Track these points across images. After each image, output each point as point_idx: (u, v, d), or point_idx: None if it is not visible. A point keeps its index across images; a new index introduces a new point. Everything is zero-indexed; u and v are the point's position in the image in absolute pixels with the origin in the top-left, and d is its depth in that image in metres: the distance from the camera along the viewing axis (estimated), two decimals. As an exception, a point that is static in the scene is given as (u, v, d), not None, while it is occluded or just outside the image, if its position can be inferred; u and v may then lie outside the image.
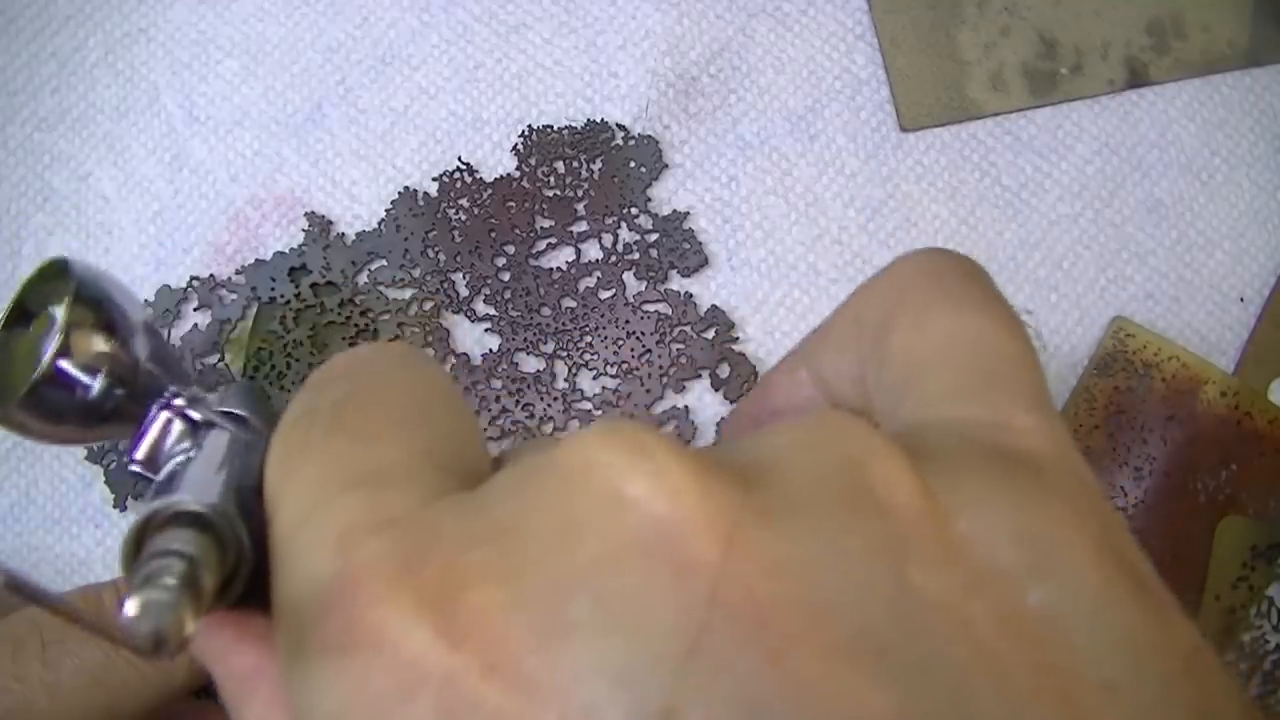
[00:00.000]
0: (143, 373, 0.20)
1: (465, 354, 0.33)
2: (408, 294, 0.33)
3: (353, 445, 0.15)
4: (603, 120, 0.35)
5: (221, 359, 0.33)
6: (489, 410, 0.33)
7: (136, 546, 0.15)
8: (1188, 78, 0.36)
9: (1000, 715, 0.11)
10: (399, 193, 0.34)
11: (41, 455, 0.33)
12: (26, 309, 0.21)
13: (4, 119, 0.35)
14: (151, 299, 0.33)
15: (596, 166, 0.34)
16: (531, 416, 0.33)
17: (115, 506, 0.32)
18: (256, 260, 0.34)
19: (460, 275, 0.34)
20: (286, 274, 0.33)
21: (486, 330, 0.33)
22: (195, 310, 0.33)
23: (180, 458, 0.19)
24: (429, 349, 0.33)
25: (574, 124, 0.35)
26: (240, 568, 0.16)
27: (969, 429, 0.15)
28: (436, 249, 0.34)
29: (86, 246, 0.34)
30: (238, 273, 0.33)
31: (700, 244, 0.34)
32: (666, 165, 0.35)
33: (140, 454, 0.20)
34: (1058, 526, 0.13)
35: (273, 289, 0.33)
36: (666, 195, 0.35)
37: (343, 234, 0.34)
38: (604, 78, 0.35)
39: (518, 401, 0.33)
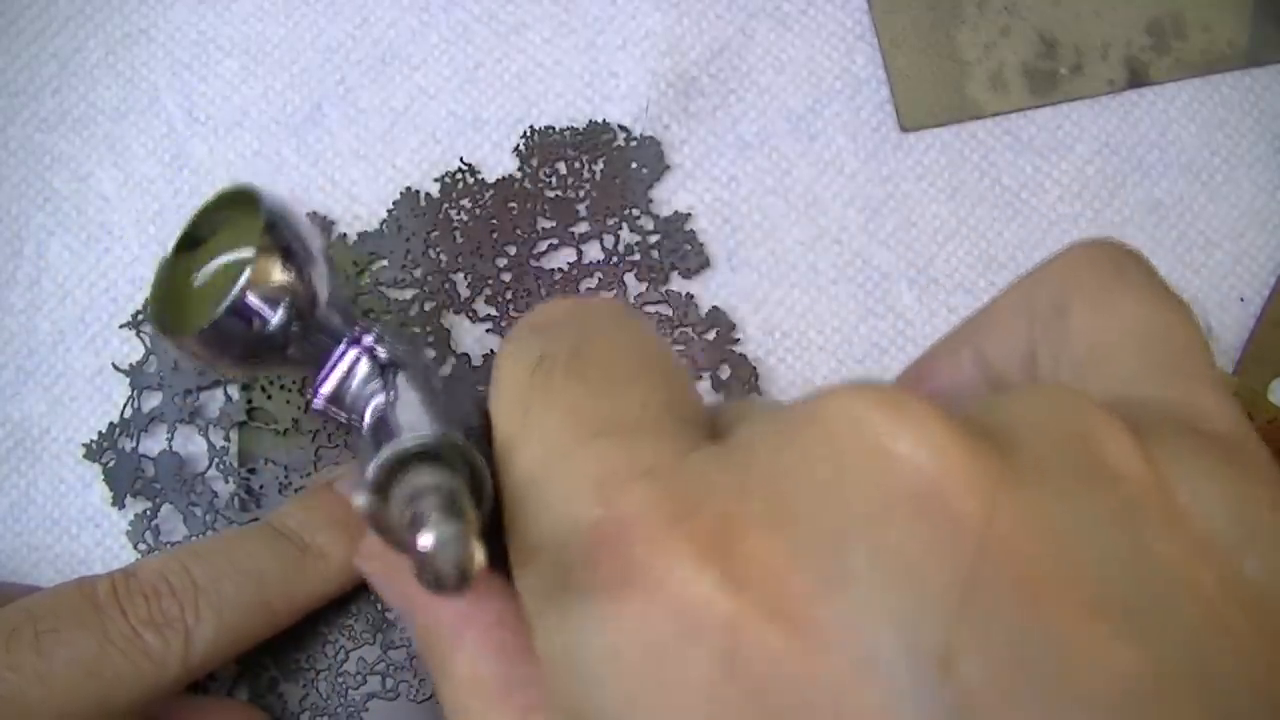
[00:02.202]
0: (321, 311, 0.20)
1: (466, 354, 0.33)
2: (409, 294, 0.33)
3: (597, 394, 0.15)
4: (604, 121, 0.35)
5: (222, 359, 0.33)
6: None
7: (382, 492, 0.15)
8: (1188, 78, 0.36)
9: (1235, 672, 0.12)
10: (401, 193, 0.34)
11: (41, 455, 0.33)
12: (196, 235, 0.21)
13: (5, 120, 0.35)
14: (152, 299, 0.33)
15: (598, 167, 0.34)
16: (532, 416, 0.33)
17: (114, 505, 0.32)
18: (257, 260, 0.34)
19: (461, 276, 0.34)
20: (287, 274, 0.33)
21: (488, 331, 0.33)
22: (195, 310, 0.33)
23: (378, 399, 0.19)
24: (430, 350, 0.33)
25: (575, 124, 0.35)
26: (484, 497, 0.15)
27: (1166, 408, 0.15)
28: (438, 250, 0.34)
29: (87, 246, 0.34)
30: (238, 273, 0.33)
31: (701, 245, 0.34)
32: (668, 166, 0.35)
33: (326, 389, 0.20)
34: (1260, 501, 0.14)
35: (273, 289, 0.33)
36: (667, 196, 0.35)
37: (344, 234, 0.34)
38: (604, 78, 0.35)
39: (518, 401, 0.33)
